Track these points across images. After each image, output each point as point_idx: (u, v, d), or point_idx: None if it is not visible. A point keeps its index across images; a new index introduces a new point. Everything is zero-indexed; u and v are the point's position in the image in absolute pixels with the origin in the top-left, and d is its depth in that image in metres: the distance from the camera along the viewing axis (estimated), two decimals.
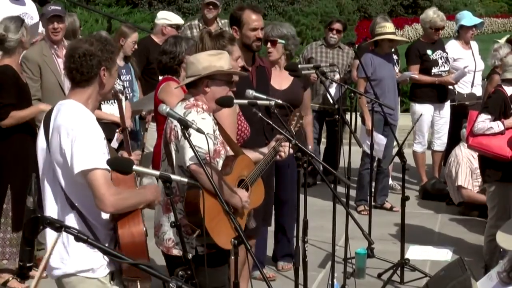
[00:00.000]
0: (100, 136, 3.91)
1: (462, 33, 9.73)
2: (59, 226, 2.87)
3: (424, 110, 9.44)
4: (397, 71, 9.51)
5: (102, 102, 7.64)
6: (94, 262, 3.91)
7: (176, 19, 9.31)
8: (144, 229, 3.98)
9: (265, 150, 4.99)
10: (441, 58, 9.41)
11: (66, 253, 3.92)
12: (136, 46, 8.68)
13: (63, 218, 3.86)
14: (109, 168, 3.81)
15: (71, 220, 3.87)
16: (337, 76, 9.19)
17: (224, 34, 5.26)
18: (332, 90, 8.80)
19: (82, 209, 3.88)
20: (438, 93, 9.43)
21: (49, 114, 3.99)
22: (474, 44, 9.89)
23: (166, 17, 9.26)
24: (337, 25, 9.87)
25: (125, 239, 3.89)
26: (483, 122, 6.79)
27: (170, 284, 2.79)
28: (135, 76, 8.67)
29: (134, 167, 3.75)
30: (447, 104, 9.57)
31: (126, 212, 3.93)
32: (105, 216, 3.95)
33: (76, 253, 3.90)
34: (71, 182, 3.85)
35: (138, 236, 3.93)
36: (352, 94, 7.17)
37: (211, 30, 5.44)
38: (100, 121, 7.59)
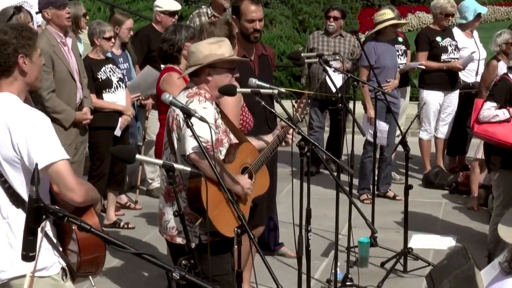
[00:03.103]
0: (50, 124, 3.76)
1: (468, 24, 9.67)
2: (62, 216, 2.85)
3: (433, 97, 9.41)
4: (404, 61, 9.47)
5: (104, 91, 7.65)
6: (47, 260, 3.73)
7: (169, 5, 9.16)
8: (97, 220, 3.85)
9: (269, 137, 4.99)
10: (450, 46, 9.37)
11: (14, 253, 3.68)
12: (131, 33, 8.65)
13: (7, 215, 3.73)
14: (69, 158, 3.75)
15: (18, 217, 3.69)
16: (339, 64, 9.14)
17: (224, 20, 5.35)
18: (338, 78, 8.72)
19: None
20: (448, 80, 9.38)
21: None
22: (474, 32, 9.85)
23: (158, 4, 9.19)
24: (334, 13, 9.81)
25: (83, 234, 3.55)
26: (489, 109, 6.77)
27: (173, 274, 2.78)
28: (133, 63, 8.66)
29: (137, 156, 3.74)
30: (456, 93, 9.53)
31: (78, 206, 3.80)
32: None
33: None
34: (25, 177, 3.71)
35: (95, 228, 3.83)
36: (355, 82, 7.15)
37: (212, 21, 5.49)
38: (102, 110, 7.69)
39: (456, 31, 9.70)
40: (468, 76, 9.62)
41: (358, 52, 9.53)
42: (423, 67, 9.36)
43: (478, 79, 9.41)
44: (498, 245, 6.63)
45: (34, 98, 6.54)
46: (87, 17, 8.80)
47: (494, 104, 6.79)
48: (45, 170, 3.64)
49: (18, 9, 6.75)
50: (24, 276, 3.69)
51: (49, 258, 3.76)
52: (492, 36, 9.00)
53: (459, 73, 9.51)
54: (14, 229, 3.72)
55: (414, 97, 11.17)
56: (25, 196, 3.72)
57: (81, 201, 3.74)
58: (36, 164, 3.61)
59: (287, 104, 4.79)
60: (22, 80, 3.82)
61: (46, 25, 7.19)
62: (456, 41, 9.44)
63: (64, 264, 3.83)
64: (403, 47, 9.51)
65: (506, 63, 7.70)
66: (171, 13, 9.06)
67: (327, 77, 8.97)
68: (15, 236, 3.71)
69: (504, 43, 8.56)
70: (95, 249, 3.76)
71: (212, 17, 8.95)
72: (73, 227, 3.73)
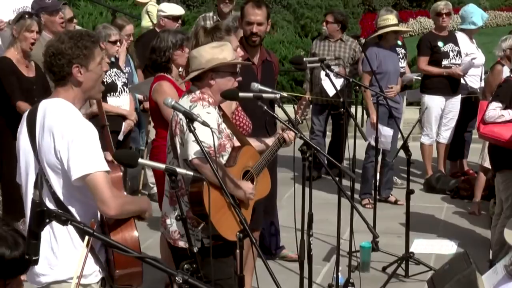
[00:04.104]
0: (96, 136, 3.74)
1: (475, 29, 9.67)
2: (65, 220, 2.86)
3: (434, 102, 9.42)
4: (404, 64, 9.49)
5: (108, 95, 7.66)
6: (86, 268, 3.56)
7: (173, 10, 9.21)
8: (137, 234, 3.84)
9: (269, 140, 4.99)
10: (452, 51, 9.38)
11: (55, 258, 3.74)
12: (131, 38, 8.67)
13: None
14: (109, 170, 3.73)
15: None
16: (339, 69, 9.14)
17: (220, 26, 5.32)
18: (336, 83, 8.72)
19: (72, 212, 3.72)
20: (448, 85, 9.39)
21: (33, 112, 3.83)
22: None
23: (162, 9, 9.23)
24: (327, 17, 9.84)
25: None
26: (494, 110, 6.79)
27: (176, 278, 2.79)
28: (135, 67, 8.68)
29: (140, 160, 3.74)
30: (458, 98, 9.53)
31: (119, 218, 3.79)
32: (92, 219, 3.75)
33: (67, 258, 3.74)
34: (65, 184, 3.72)
35: (132, 242, 3.78)
36: (357, 87, 7.16)
37: (206, 26, 5.48)
38: (106, 114, 7.69)
39: (461, 36, 9.68)
40: (474, 81, 9.62)
41: (358, 56, 9.54)
42: (420, 78, 9.38)
43: (483, 84, 9.44)
44: (502, 248, 6.62)
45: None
46: (75, 21, 8.80)
47: (500, 104, 6.81)
48: (81, 180, 3.63)
49: (30, 14, 6.77)
50: (63, 281, 3.75)
51: (89, 266, 3.71)
52: (494, 41, 9.03)
53: (465, 78, 9.51)
54: (57, 233, 3.72)
55: (416, 102, 11.18)
56: (64, 201, 3.73)
57: (113, 214, 3.71)
58: (40, 169, 3.64)
59: (289, 109, 4.80)
60: (77, 89, 3.81)
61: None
62: (458, 47, 9.45)
63: (104, 275, 3.82)
64: (403, 50, 9.53)
65: (508, 66, 7.75)
66: (175, 18, 9.11)
67: (323, 82, 8.99)
68: (57, 241, 3.72)
69: (509, 48, 8.58)
70: (131, 263, 3.71)
71: (217, 21, 8.98)
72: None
